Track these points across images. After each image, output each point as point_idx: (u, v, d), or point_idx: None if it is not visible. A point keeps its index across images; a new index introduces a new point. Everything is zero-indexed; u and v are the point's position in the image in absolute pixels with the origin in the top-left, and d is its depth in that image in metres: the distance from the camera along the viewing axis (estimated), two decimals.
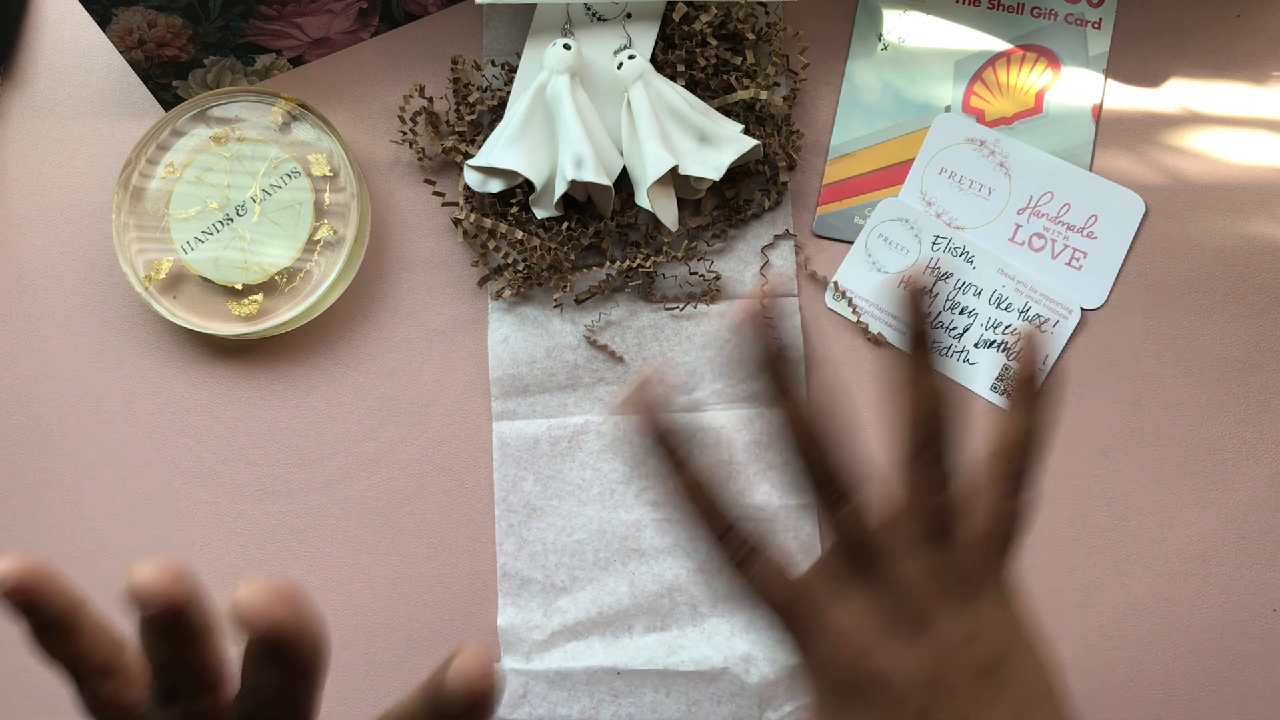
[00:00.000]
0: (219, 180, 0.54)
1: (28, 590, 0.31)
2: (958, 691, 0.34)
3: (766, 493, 0.54)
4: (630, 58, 0.52)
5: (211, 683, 0.32)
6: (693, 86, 0.55)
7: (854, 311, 0.55)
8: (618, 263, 0.55)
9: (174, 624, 0.30)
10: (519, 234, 0.54)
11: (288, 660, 0.29)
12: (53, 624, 0.32)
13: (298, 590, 0.29)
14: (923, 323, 0.34)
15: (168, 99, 0.57)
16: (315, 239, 0.54)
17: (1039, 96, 0.56)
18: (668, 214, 0.53)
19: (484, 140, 0.55)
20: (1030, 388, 0.37)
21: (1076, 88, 0.56)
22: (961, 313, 0.55)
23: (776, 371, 0.34)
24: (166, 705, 0.32)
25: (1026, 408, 0.36)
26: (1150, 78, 0.56)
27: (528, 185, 0.54)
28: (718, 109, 0.55)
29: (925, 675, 0.33)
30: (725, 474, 0.34)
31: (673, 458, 0.33)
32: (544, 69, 0.53)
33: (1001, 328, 0.55)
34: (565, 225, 0.55)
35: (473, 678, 0.29)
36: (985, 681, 0.34)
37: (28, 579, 0.30)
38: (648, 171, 0.51)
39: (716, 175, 0.52)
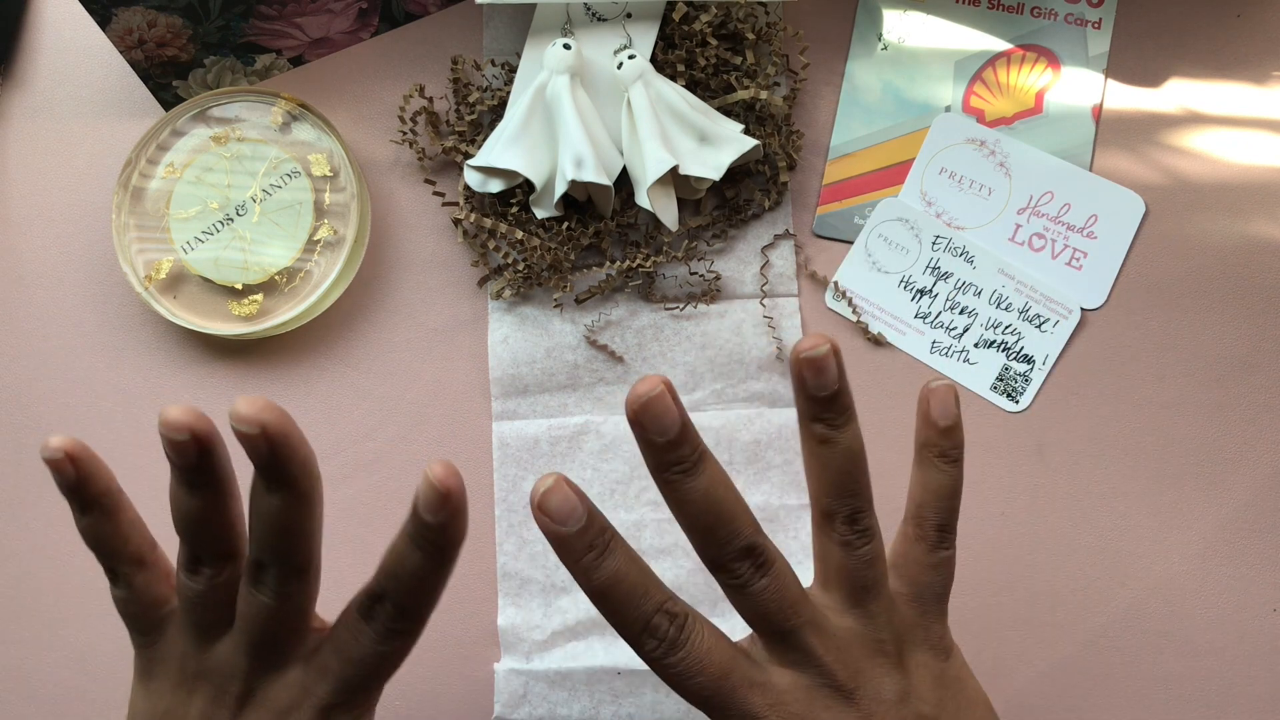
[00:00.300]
0: (219, 180, 0.54)
1: (76, 459, 0.33)
2: None
3: (766, 492, 0.54)
4: (630, 58, 0.52)
5: (231, 550, 0.34)
6: (693, 86, 0.55)
7: (854, 311, 0.55)
8: (618, 263, 0.55)
9: (201, 462, 0.32)
10: (519, 234, 0.54)
11: (283, 475, 0.31)
12: (95, 501, 0.34)
13: (286, 413, 0.30)
14: (812, 390, 0.33)
15: (168, 99, 0.57)
16: (315, 239, 0.54)
17: (1039, 96, 0.56)
18: (668, 214, 0.53)
19: (484, 140, 0.55)
20: (945, 441, 0.36)
21: (1076, 88, 0.56)
22: (961, 313, 0.55)
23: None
24: (192, 577, 0.34)
25: (941, 463, 0.36)
26: (1150, 78, 0.56)
27: (528, 185, 0.54)
28: (718, 109, 0.55)
29: None
30: (639, 565, 0.33)
31: (591, 552, 0.32)
32: (544, 69, 0.53)
33: (1001, 328, 0.55)
34: (565, 225, 0.55)
35: (439, 475, 0.30)
36: None
37: (77, 451, 0.33)
38: (648, 171, 0.51)
39: (716, 175, 0.52)
